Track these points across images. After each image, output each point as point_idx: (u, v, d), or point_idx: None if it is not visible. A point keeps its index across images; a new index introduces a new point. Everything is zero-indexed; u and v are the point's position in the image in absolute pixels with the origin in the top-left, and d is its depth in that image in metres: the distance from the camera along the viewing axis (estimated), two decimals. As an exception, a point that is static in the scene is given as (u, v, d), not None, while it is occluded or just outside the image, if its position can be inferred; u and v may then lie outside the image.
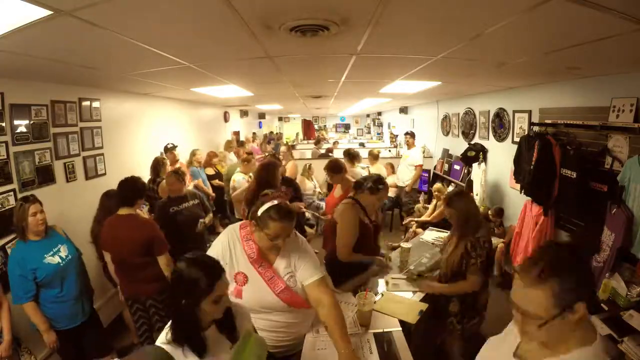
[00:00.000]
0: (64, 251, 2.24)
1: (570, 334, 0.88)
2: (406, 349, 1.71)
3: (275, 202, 1.56)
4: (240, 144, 7.46)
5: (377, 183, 2.37)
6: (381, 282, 2.44)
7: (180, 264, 1.17)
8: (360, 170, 4.60)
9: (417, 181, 5.65)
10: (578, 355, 0.86)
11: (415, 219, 4.69)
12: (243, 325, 1.31)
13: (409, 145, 5.72)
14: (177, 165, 4.56)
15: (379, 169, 5.34)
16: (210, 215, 3.41)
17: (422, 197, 5.63)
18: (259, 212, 1.55)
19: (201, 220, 3.17)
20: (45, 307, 2.15)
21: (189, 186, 4.24)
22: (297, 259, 1.63)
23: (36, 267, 2.07)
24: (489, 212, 4.04)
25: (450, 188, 5.27)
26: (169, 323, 1.22)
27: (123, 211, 2.44)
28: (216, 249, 1.64)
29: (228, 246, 1.63)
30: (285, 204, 1.59)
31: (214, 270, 1.16)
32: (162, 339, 1.20)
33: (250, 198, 2.92)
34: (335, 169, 3.37)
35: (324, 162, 3.65)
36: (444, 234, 3.49)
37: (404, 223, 4.94)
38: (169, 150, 4.60)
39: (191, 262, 1.17)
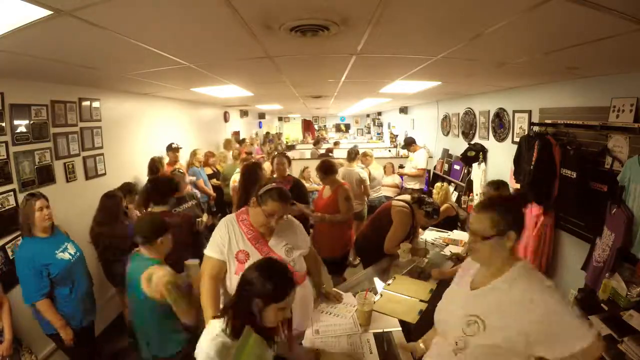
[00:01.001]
0: (71, 249, 2.26)
1: (506, 261, 1.26)
2: (406, 348, 1.71)
3: (276, 185, 1.81)
4: (242, 141, 7.49)
5: (435, 213, 2.80)
6: (378, 282, 2.44)
7: (262, 263, 1.28)
8: (360, 170, 4.60)
9: (422, 182, 5.66)
10: (511, 272, 1.24)
11: None
12: None
13: (413, 150, 5.75)
14: (177, 166, 4.56)
15: (376, 168, 5.35)
16: (206, 215, 3.43)
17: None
18: (261, 192, 1.77)
19: (199, 219, 3.17)
20: (61, 306, 2.14)
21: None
22: (294, 234, 1.90)
23: (49, 262, 2.07)
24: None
25: (451, 188, 5.27)
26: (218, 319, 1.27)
27: (157, 209, 2.52)
28: (216, 239, 1.78)
29: (227, 232, 1.77)
30: (285, 189, 1.83)
31: (291, 281, 1.26)
32: (216, 329, 1.24)
33: (238, 199, 3.01)
34: (327, 170, 3.32)
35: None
36: (444, 234, 3.50)
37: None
38: (173, 149, 4.59)
39: (273, 264, 1.29)
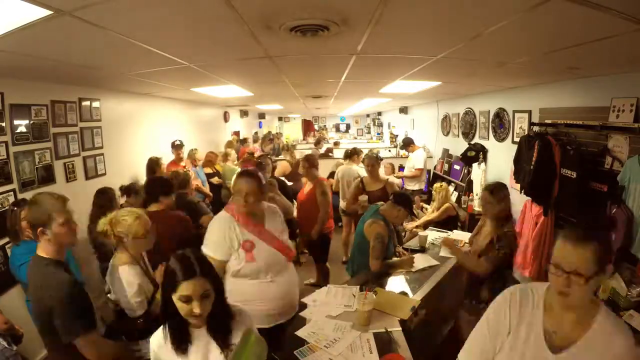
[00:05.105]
0: None
1: (588, 302, 1.02)
2: (406, 349, 1.71)
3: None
4: (243, 141, 7.50)
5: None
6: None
7: (174, 255, 1.21)
8: (359, 168, 4.59)
9: (421, 183, 5.65)
10: (603, 319, 1.00)
11: (416, 223, 4.61)
12: (238, 333, 1.27)
13: (412, 150, 5.74)
14: (183, 164, 4.59)
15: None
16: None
17: (416, 198, 5.56)
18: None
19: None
20: None
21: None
22: (278, 223, 2.09)
23: None
24: None
25: (451, 188, 5.26)
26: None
27: (153, 207, 2.50)
28: (219, 241, 1.90)
29: (228, 227, 1.91)
30: (249, 169, 2.11)
31: (187, 269, 1.15)
32: (157, 334, 1.25)
33: None
34: (310, 163, 3.54)
35: (324, 163, 3.69)
36: (444, 234, 3.49)
37: (407, 228, 4.56)
38: (176, 147, 4.63)
39: (179, 255, 1.20)
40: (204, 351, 1.22)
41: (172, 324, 1.20)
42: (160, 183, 2.63)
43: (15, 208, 2.13)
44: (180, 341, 1.20)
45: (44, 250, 1.51)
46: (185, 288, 1.13)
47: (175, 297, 1.14)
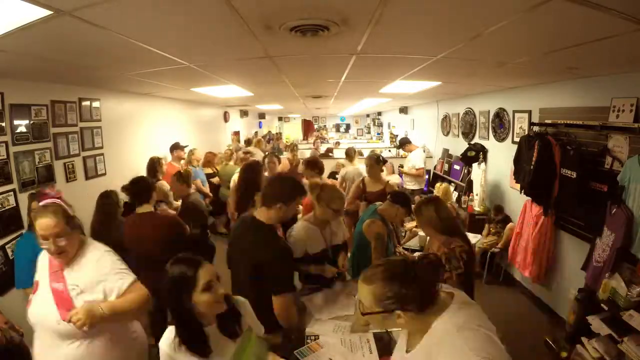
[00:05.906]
0: None
1: (423, 321, 1.00)
2: (406, 349, 1.71)
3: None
4: (247, 142, 7.53)
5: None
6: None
7: (167, 267, 1.20)
8: (363, 168, 4.59)
9: (421, 183, 5.64)
10: (436, 327, 0.98)
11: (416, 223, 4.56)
12: (247, 322, 1.33)
13: (409, 150, 5.73)
14: (178, 165, 4.59)
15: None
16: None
17: (416, 198, 5.54)
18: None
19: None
20: None
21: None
22: (92, 277, 1.48)
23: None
24: (491, 212, 4.03)
25: (451, 188, 5.26)
26: (171, 326, 1.23)
27: (142, 209, 2.46)
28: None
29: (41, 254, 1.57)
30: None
31: (192, 260, 1.20)
32: (167, 338, 1.22)
33: (237, 198, 3.04)
34: (312, 167, 3.46)
35: (324, 163, 3.69)
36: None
37: (407, 228, 4.53)
38: (180, 147, 4.63)
39: (173, 261, 1.21)
40: (220, 346, 1.23)
41: (189, 332, 1.19)
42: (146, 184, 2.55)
43: (30, 198, 2.17)
44: (201, 345, 1.20)
45: (266, 216, 1.74)
46: (203, 275, 1.17)
47: (196, 295, 1.16)
